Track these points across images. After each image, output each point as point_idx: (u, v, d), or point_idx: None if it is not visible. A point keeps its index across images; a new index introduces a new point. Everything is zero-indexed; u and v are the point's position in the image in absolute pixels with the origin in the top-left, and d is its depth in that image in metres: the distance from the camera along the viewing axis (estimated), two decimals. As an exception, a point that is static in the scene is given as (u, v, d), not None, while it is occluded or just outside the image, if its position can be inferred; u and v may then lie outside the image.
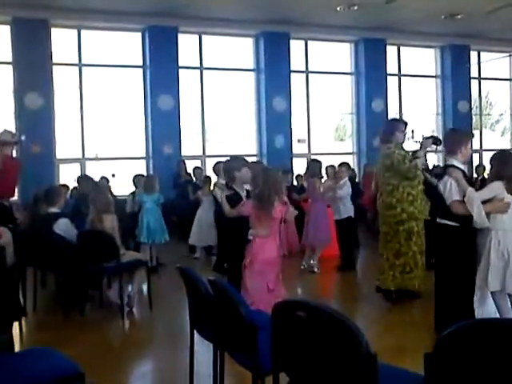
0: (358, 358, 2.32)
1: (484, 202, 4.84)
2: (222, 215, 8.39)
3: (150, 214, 8.57)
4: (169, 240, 8.79)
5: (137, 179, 9.39)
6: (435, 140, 6.35)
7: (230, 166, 5.68)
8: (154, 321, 6.30)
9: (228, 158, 6.09)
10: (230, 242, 5.65)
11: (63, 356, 3.34)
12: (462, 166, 5.08)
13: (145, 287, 6.83)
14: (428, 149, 6.40)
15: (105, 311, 6.50)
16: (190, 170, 12.17)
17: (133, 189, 9.46)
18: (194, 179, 11.38)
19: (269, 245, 5.01)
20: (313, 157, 14.38)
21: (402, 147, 6.39)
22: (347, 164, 9.05)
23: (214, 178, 8.97)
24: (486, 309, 4.98)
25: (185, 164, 12.45)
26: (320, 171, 8.78)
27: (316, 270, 8.39)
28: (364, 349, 2.30)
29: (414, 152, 6.33)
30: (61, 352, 3.42)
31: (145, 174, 11.61)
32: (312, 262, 8.45)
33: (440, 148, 6.49)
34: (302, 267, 8.43)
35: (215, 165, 8.88)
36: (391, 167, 6.26)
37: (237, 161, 5.91)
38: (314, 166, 8.79)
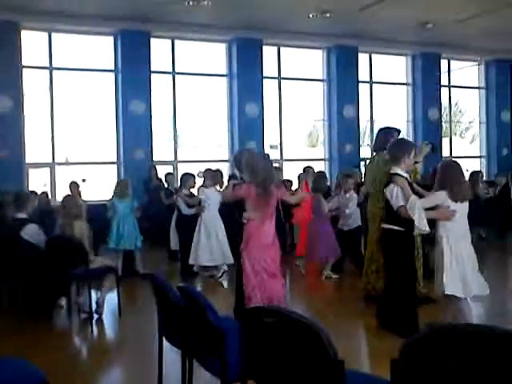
0: (326, 364, 2.32)
1: (430, 210, 5.04)
2: (183, 222, 8.39)
3: (122, 220, 8.46)
4: (140, 247, 8.67)
5: None
6: (433, 147, 6.46)
7: (239, 158, 6.14)
8: (122, 328, 6.22)
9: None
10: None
11: (28, 364, 3.28)
12: (405, 175, 5.31)
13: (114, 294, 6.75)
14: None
15: (73, 318, 6.40)
16: (160, 175, 12.08)
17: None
18: (166, 185, 11.28)
19: (264, 229, 5.17)
20: (285, 163, 14.49)
21: None
22: (352, 176, 8.50)
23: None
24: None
25: (156, 169, 12.34)
26: (325, 186, 8.48)
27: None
28: (331, 355, 2.30)
29: None
30: (26, 360, 3.36)
31: (117, 179, 11.44)
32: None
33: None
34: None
35: (182, 176, 8.73)
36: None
37: (244, 153, 6.35)
38: (319, 180, 8.29)
